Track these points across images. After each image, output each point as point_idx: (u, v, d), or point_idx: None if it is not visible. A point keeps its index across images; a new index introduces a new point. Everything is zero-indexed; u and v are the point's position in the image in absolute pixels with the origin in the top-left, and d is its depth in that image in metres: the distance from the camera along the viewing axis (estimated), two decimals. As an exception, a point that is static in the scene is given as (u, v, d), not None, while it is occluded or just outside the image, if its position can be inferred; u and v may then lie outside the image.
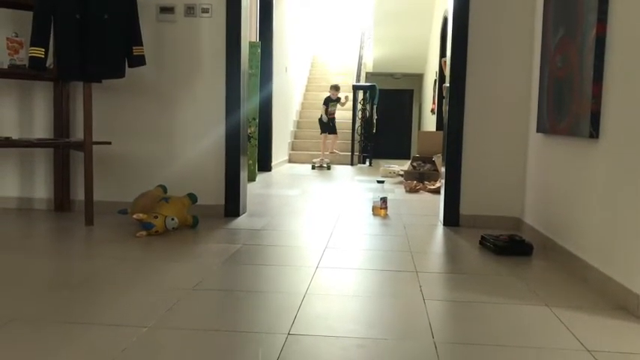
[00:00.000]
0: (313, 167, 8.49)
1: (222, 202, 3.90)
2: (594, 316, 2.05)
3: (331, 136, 9.58)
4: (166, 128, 3.92)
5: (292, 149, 9.85)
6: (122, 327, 1.83)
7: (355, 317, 2.02)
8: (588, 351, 1.72)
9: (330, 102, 9.49)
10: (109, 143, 3.74)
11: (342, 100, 9.64)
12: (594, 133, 2.48)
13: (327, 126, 9.51)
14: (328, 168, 8.49)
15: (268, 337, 1.77)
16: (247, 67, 4.07)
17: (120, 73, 3.53)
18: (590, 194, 2.57)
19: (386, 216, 4.22)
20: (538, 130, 3.34)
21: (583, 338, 1.82)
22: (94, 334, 1.76)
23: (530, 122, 3.60)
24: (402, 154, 12.17)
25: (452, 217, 3.81)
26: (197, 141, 3.90)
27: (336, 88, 9.54)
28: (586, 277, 2.49)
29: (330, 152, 9.51)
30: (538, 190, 3.41)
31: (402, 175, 7.03)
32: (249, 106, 5.33)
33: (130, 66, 3.59)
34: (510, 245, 2.97)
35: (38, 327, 1.81)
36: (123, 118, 3.94)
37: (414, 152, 9.14)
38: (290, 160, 9.48)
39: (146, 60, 3.64)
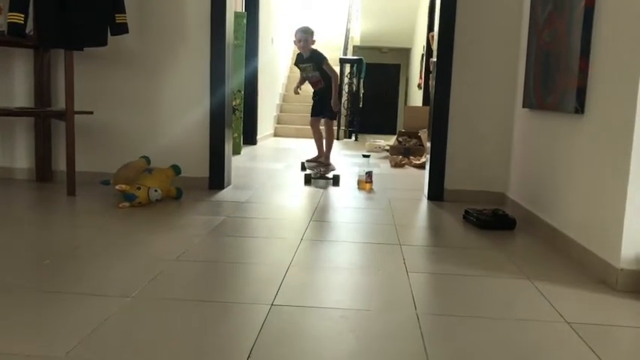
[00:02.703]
0: (307, 179, 4.40)
1: (207, 174, 3.87)
2: (575, 290, 2.08)
3: (324, 120, 5.16)
4: (150, 99, 3.86)
5: (278, 123, 9.79)
6: (104, 297, 1.81)
7: (338, 289, 2.03)
8: (567, 323, 1.74)
9: (302, 63, 4.96)
10: (91, 113, 3.67)
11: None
12: (580, 108, 2.48)
13: (316, 106, 5.11)
14: (333, 181, 4.38)
15: (252, 308, 1.77)
16: (232, 37, 4.00)
17: (102, 41, 3.45)
18: (573, 169, 2.58)
19: (371, 190, 4.22)
20: (524, 106, 3.34)
21: (563, 310, 1.84)
22: (75, 304, 1.75)
23: (516, 98, 3.59)
24: (389, 129, 12.14)
25: (436, 192, 3.82)
26: (181, 112, 3.85)
27: (304, 32, 4.82)
28: (568, 252, 2.52)
29: (324, 155, 5.10)
30: (523, 165, 3.42)
31: (387, 150, 7.03)
32: (234, 77, 5.28)
33: (112, 34, 3.51)
34: (493, 220, 2.99)
35: (18, 296, 1.79)
36: (105, 88, 3.87)
37: (400, 127, 9.13)
38: (276, 134, 9.42)
39: (129, 28, 3.57)
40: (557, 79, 2.74)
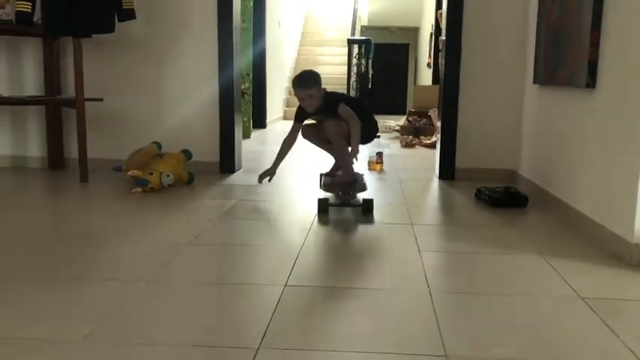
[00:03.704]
0: (323, 206, 2.82)
1: (217, 158, 3.88)
2: (588, 265, 2.07)
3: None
4: (159, 84, 3.86)
5: (287, 106, 9.77)
6: (120, 281, 1.84)
7: (351, 269, 2.04)
8: (581, 298, 1.74)
9: (312, 115, 3.21)
10: (101, 100, 3.69)
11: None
12: (591, 82, 2.45)
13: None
14: (362, 207, 2.84)
15: (266, 289, 1.79)
16: (240, 20, 3.98)
17: (109, 28, 3.45)
18: (586, 145, 2.56)
19: (382, 170, 4.22)
20: (534, 82, 3.31)
21: (576, 286, 1.84)
22: (91, 289, 1.77)
23: (526, 74, 3.55)
24: (398, 109, 12.06)
25: (447, 171, 3.81)
26: (190, 97, 3.85)
27: (307, 85, 3.04)
28: (581, 228, 2.51)
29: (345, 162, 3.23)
30: (534, 142, 3.40)
31: (397, 130, 7.00)
32: (242, 61, 5.25)
33: (119, 20, 3.50)
34: (505, 197, 2.98)
35: (34, 282, 1.82)
36: (115, 75, 3.87)
37: (409, 107, 9.08)
38: (285, 117, 9.41)
39: (136, 14, 3.56)
40: (568, 54, 2.71)
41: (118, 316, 1.56)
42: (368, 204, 2.80)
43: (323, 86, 3.07)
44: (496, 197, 2.98)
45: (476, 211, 2.94)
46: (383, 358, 1.36)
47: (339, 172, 3.19)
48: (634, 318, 1.65)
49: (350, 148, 3.00)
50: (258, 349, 1.37)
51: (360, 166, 4.38)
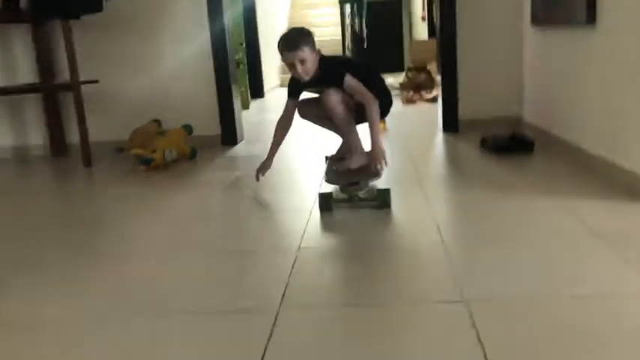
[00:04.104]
0: (325, 203, 2.21)
1: (219, 131, 3.86)
2: (599, 201, 2.06)
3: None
4: (152, 61, 3.81)
5: (283, 72, 9.67)
6: (139, 255, 1.85)
7: (361, 226, 2.04)
8: (595, 234, 1.74)
9: (308, 87, 2.58)
10: (97, 82, 3.65)
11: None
12: (590, 18, 2.40)
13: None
14: (379, 201, 2.19)
15: (279, 254, 1.79)
16: (228, -12, 3.90)
17: (97, 7, 3.39)
18: (589, 82, 2.52)
19: (385, 129, 4.18)
20: (532, 23, 3.25)
21: (589, 223, 1.84)
22: (108, 266, 1.78)
23: (524, 16, 3.48)
24: (396, 66, 11.91)
25: (451, 124, 3.77)
26: (186, 71, 3.81)
27: (298, 45, 2.36)
28: (590, 166, 2.49)
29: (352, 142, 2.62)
30: (536, 85, 3.35)
31: (397, 88, 6.94)
32: (234, 30, 5.16)
33: (106, -2, 3.44)
34: (511, 144, 2.96)
35: (55, 266, 1.83)
36: (107, 55, 3.82)
37: (407, 63, 8.96)
38: (282, 84, 9.32)
39: (122, -10, 3.50)
40: (566, -9, 2.64)
41: (142, 288, 1.57)
42: (384, 197, 2.17)
43: (317, 47, 2.42)
44: (501, 144, 2.96)
45: (482, 160, 2.93)
46: (408, 308, 1.37)
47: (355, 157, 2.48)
48: (649, 250, 1.65)
49: (369, 140, 2.37)
50: (279, 310, 1.38)
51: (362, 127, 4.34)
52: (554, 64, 2.99)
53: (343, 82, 2.36)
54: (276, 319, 1.34)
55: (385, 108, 2.60)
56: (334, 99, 2.40)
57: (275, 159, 2.67)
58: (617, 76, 2.23)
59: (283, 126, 2.62)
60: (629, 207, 1.99)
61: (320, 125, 2.72)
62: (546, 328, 1.23)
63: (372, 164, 2.31)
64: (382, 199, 2.18)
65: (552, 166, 2.68)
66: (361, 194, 2.25)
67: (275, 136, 2.65)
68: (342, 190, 2.30)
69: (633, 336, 1.19)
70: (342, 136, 2.67)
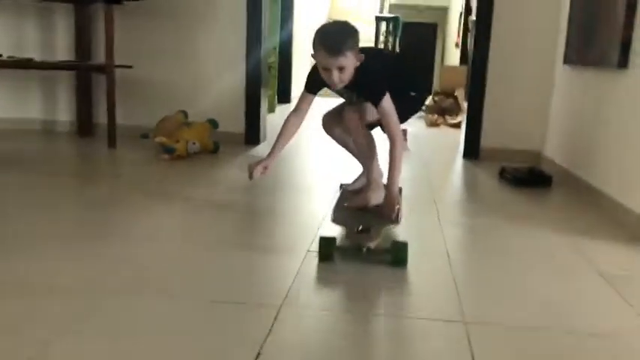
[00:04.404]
0: (325, 252, 1.79)
1: (243, 130, 3.92)
2: (608, 243, 2.07)
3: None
4: (187, 53, 3.89)
5: (312, 82, 9.75)
6: (149, 241, 1.89)
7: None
8: (599, 273, 1.75)
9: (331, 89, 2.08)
10: (131, 67, 3.73)
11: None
12: (623, 62, 2.42)
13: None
14: (392, 257, 1.76)
15: (288, 254, 1.83)
16: (269, -8, 3.98)
17: (139, -5, 3.48)
18: (615, 126, 2.53)
19: (407, 149, 4.21)
20: (565, 62, 3.27)
21: (595, 261, 1.85)
22: (124, 249, 1.83)
23: (557, 55, 3.50)
24: (427, 89, 11.88)
25: (472, 150, 3.79)
26: (218, 68, 3.88)
27: (340, 48, 1.89)
28: (606, 209, 2.49)
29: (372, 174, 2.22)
30: (561, 122, 3.36)
31: (423, 110, 6.96)
32: (270, 34, 5.24)
33: (149, -12, 3.53)
34: (529, 177, 2.97)
35: (71, 243, 1.89)
36: (144, 42, 3.91)
37: (436, 87, 8.99)
38: (310, 93, 9.38)
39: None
40: (600, 33, 2.67)
41: (153, 273, 1.61)
42: (399, 252, 1.75)
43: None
44: (520, 177, 2.97)
45: (499, 189, 2.94)
46: (408, 322, 1.40)
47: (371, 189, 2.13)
48: (654, 296, 1.66)
49: (386, 177, 2.04)
50: (281, 306, 1.42)
51: (384, 144, 4.37)
52: (582, 104, 3.00)
53: (378, 103, 1.98)
54: None
55: (414, 108, 2.33)
56: (357, 119, 2.11)
57: (282, 167, 2.65)
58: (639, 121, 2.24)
59: (292, 122, 2.14)
60: (635, 250, 2.00)
61: (343, 146, 2.38)
62: (536, 358, 1.25)
63: (385, 209, 1.95)
64: (397, 255, 1.74)
65: (568, 204, 2.68)
66: (372, 245, 1.73)
67: (281, 133, 2.15)
68: (348, 236, 1.83)
69: (626, 376, 1.20)
70: (362, 164, 2.31)
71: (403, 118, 2.15)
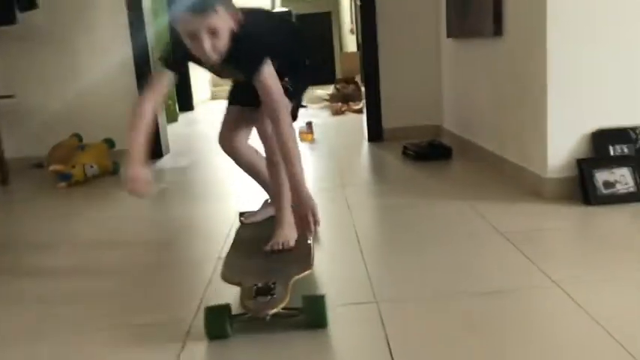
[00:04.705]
0: (216, 326, 1.30)
1: (144, 144, 3.79)
2: (507, 203, 2.18)
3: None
4: (72, 75, 3.71)
5: (214, 85, 9.61)
6: (60, 270, 1.80)
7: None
8: (500, 233, 1.84)
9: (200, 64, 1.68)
10: (12, 97, 3.52)
11: None
12: (498, 30, 2.54)
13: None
14: (294, 311, 1.34)
15: (201, 263, 1.79)
16: (149, 1, 3.87)
17: (11, 19, 3.28)
18: (498, 91, 2.66)
19: (313, 140, 4.24)
20: (448, 36, 3.39)
21: (495, 222, 1.94)
22: (27, 284, 1.72)
23: (441, 30, 3.63)
24: (327, 78, 12.05)
25: (375, 133, 3.87)
26: (107, 85, 3.73)
27: (204, 11, 1.44)
28: (501, 170, 2.62)
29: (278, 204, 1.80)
30: (452, 95, 3.50)
31: (327, 100, 7.04)
32: (159, 42, 5.10)
33: (20, 10, 3.33)
34: (430, 151, 3.07)
35: None
36: (22, 68, 3.69)
37: (338, 75, 9.10)
38: (214, 98, 9.25)
39: (38, 3, 3.40)
40: (475, 5, 2.79)
41: (61, 308, 1.53)
42: (315, 310, 1.33)
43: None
44: (421, 152, 3.07)
45: (403, 167, 3.02)
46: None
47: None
48: (544, 244, 1.77)
49: (284, 188, 1.69)
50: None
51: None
52: (467, 74, 3.13)
53: (255, 75, 1.52)
54: None
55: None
56: (285, 128, 1.53)
57: (201, 169, 2.63)
58: (522, 86, 2.37)
59: (145, 110, 1.61)
60: (532, 207, 2.11)
61: (244, 168, 1.92)
62: (447, 324, 1.29)
63: (301, 227, 1.52)
64: (313, 315, 1.32)
65: (467, 171, 2.80)
66: (275, 310, 1.25)
67: (133, 126, 1.63)
68: (243, 300, 1.29)
69: (531, 327, 1.27)
70: (268, 192, 1.88)
71: (298, 95, 1.81)
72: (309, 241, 1.61)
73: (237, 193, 2.66)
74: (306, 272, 1.45)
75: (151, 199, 2.68)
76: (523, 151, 2.41)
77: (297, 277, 1.39)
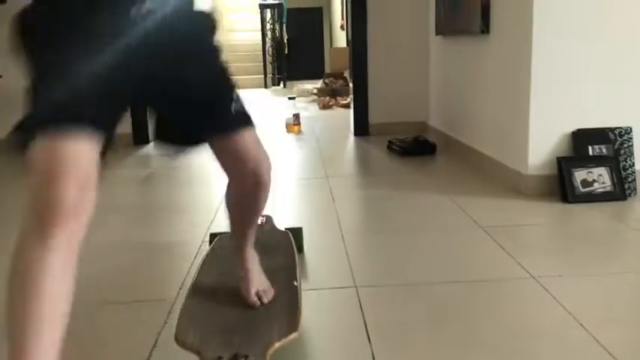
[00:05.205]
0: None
1: (130, 130, 3.79)
2: (489, 199, 2.22)
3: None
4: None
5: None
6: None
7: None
8: (481, 227, 1.88)
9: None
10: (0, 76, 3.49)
11: None
12: (485, 29, 2.58)
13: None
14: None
15: (184, 247, 1.81)
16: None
17: (-1, -1, 3.25)
18: (482, 88, 2.71)
19: (300, 132, 4.26)
20: (437, 33, 3.43)
21: (477, 217, 1.98)
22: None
23: (429, 27, 3.67)
24: (317, 73, 12.08)
25: (362, 128, 3.91)
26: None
27: None
28: (483, 167, 2.67)
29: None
30: (439, 92, 3.54)
31: (315, 94, 7.06)
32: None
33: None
34: (415, 146, 3.11)
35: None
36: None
37: (328, 70, 9.14)
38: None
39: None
40: (464, 3, 2.83)
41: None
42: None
43: None
44: (406, 147, 3.11)
45: (388, 161, 3.06)
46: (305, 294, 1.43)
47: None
48: (523, 238, 1.81)
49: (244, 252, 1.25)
50: (176, 298, 1.41)
51: (278, 129, 4.39)
52: (454, 70, 3.18)
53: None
54: None
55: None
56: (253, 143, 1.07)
57: (189, 156, 2.62)
58: (506, 83, 2.42)
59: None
60: (512, 203, 2.16)
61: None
62: (424, 311, 1.33)
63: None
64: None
65: (450, 167, 2.84)
66: None
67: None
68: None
69: (507, 316, 1.31)
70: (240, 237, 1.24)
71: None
72: (295, 283, 1.24)
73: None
74: (291, 337, 1.05)
75: (138, 185, 2.70)
76: (505, 148, 2.45)
77: (277, 344, 1.03)
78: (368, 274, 1.53)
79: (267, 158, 1.09)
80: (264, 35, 9.70)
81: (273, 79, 9.71)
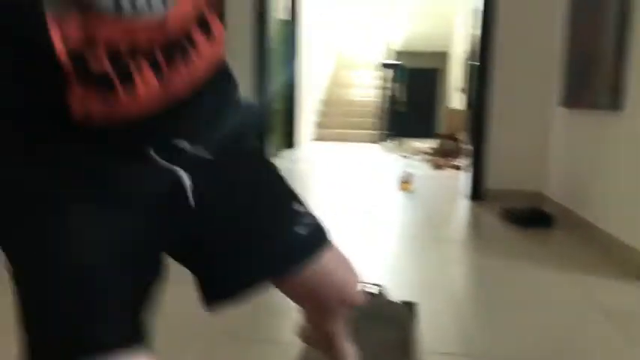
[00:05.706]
0: None
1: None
2: (612, 281, 2.12)
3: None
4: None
5: (320, 127, 9.92)
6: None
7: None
8: (602, 310, 1.80)
9: None
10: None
11: None
12: (616, 104, 2.52)
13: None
14: None
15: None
16: (271, 41, 4.15)
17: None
18: (612, 166, 2.61)
19: (412, 190, 4.29)
20: (561, 104, 3.38)
21: (599, 299, 1.90)
22: None
23: (553, 96, 3.62)
24: (427, 132, 12.12)
25: (476, 192, 3.87)
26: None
27: None
28: (607, 247, 2.55)
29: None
30: (561, 163, 3.45)
31: (427, 153, 7.08)
32: (275, 81, 5.41)
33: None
34: (531, 216, 3.04)
35: None
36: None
37: (439, 130, 9.14)
38: (319, 138, 9.54)
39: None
40: (592, 76, 2.78)
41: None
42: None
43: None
44: (522, 216, 3.04)
45: (503, 229, 3.00)
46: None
47: None
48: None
49: None
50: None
51: (391, 186, 4.45)
52: (579, 145, 3.09)
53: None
54: None
55: None
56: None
57: None
58: (636, 161, 2.32)
59: None
60: (636, 288, 2.04)
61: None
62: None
63: None
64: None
65: (569, 242, 2.74)
66: None
67: None
68: None
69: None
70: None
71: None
72: None
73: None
74: None
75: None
76: (629, 228, 2.34)
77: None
78: (483, 344, 1.52)
79: (354, 273, 0.84)
80: (383, 92, 9.93)
81: (383, 135, 9.86)
